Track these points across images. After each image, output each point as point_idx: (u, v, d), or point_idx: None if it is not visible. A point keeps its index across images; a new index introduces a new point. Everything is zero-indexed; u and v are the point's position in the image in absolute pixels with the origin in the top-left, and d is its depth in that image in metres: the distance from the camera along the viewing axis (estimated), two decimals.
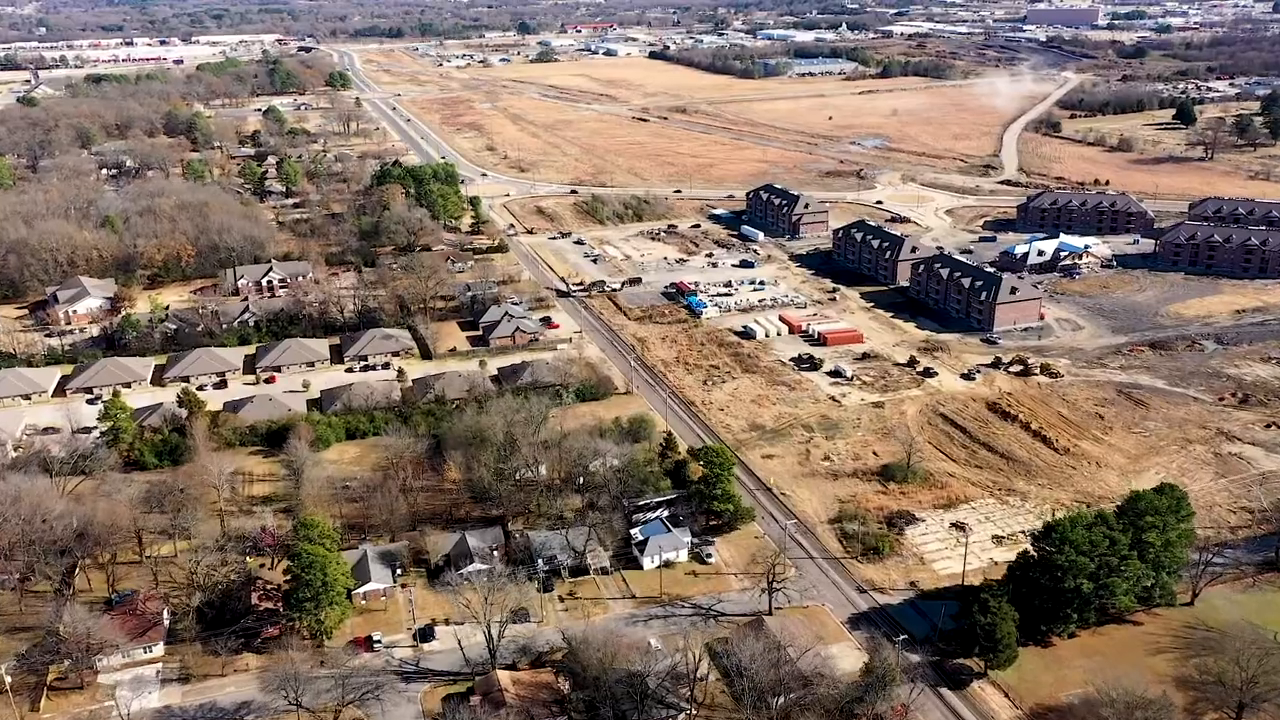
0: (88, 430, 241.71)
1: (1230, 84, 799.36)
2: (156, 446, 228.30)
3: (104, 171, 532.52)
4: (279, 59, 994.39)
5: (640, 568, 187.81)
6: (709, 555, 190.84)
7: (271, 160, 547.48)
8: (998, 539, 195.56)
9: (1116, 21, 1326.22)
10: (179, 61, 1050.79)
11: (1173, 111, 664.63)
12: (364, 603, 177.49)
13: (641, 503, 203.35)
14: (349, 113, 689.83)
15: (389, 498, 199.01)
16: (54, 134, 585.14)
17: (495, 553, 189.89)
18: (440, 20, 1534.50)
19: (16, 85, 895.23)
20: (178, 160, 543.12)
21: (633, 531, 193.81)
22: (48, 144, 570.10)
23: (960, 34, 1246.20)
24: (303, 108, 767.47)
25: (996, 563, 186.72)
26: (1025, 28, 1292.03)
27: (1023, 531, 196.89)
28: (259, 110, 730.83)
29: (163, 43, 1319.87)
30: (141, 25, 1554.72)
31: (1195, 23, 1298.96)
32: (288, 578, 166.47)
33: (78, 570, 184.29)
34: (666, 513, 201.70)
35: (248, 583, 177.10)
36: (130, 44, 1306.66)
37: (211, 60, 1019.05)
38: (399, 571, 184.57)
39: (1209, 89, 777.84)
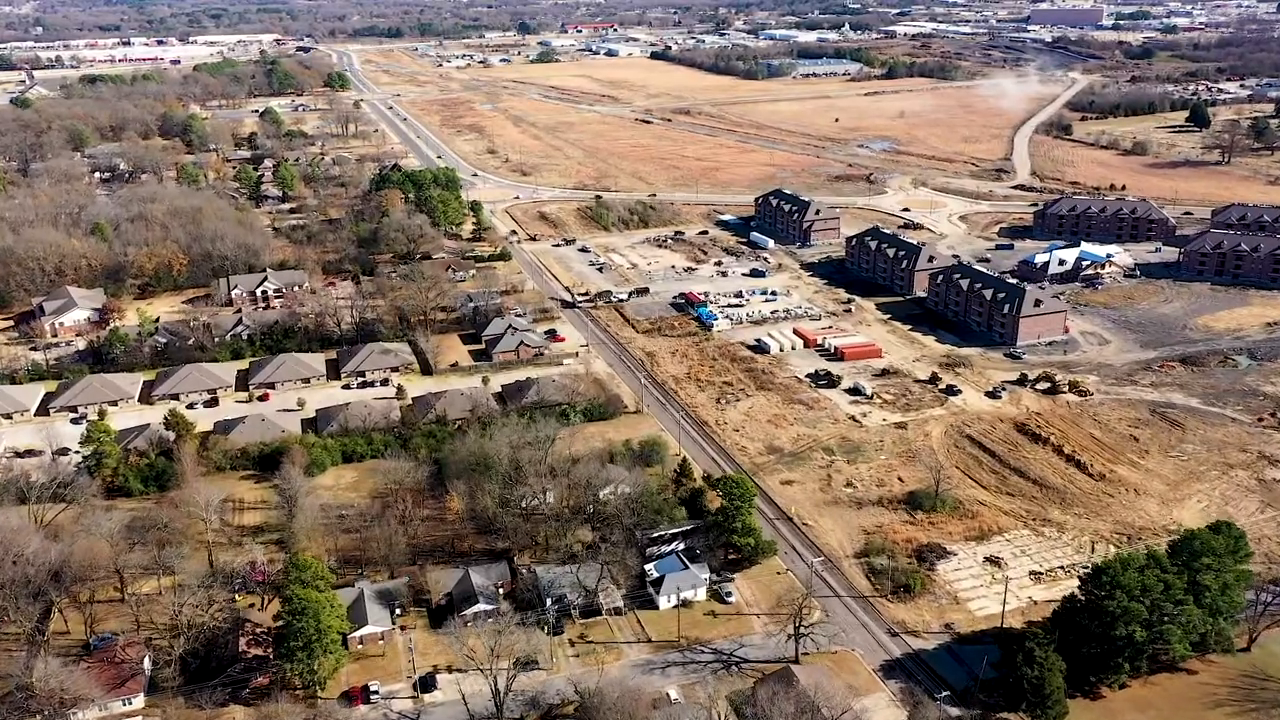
0: (65, 451, 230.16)
1: (1241, 85, 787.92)
2: (142, 472, 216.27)
3: (96, 175, 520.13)
4: (277, 59, 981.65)
5: (656, 607, 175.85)
6: (729, 594, 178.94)
7: (268, 163, 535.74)
8: (1035, 575, 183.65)
9: (1121, 22, 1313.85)
10: (176, 62, 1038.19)
11: (1185, 114, 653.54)
12: (360, 647, 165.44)
13: (655, 535, 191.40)
14: (347, 114, 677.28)
15: (387, 530, 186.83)
16: (46, 136, 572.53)
17: (501, 590, 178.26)
18: (440, 20, 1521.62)
19: (11, 86, 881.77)
20: (172, 164, 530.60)
21: (647, 568, 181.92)
22: (39, 147, 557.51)
23: (964, 34, 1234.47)
24: (300, 109, 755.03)
25: (1036, 602, 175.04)
26: (1030, 28, 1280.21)
27: (1062, 567, 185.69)
28: (256, 112, 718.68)
29: (160, 43, 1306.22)
30: (139, 25, 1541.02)
31: (1201, 23, 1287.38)
32: (279, 623, 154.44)
33: (54, 612, 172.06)
34: (682, 545, 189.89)
35: (235, 626, 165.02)
36: (127, 44, 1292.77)
37: (209, 60, 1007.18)
38: (398, 612, 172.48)
39: (1220, 90, 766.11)
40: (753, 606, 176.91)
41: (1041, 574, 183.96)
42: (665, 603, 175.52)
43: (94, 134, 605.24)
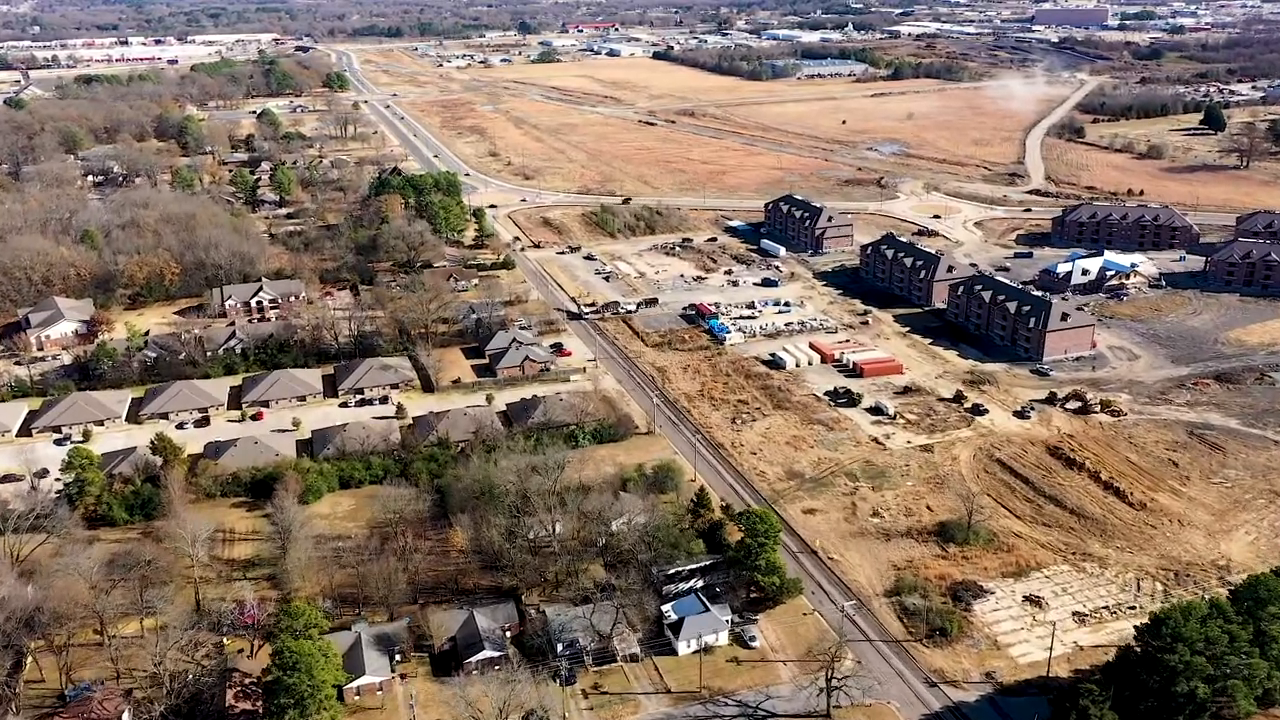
0: (45, 473, 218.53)
1: (1253, 87, 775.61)
2: (127, 499, 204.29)
3: (89, 179, 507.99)
4: (275, 59, 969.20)
5: (674, 652, 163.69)
6: (752, 638, 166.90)
7: (265, 167, 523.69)
8: (1079, 617, 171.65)
9: (1127, 22, 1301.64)
10: (173, 61, 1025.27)
11: (1199, 116, 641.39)
12: (357, 699, 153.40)
13: (672, 571, 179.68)
14: (346, 116, 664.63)
15: (386, 567, 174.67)
16: (39, 138, 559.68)
17: (508, 633, 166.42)
18: (440, 20, 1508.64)
19: (7, 86, 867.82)
20: (167, 167, 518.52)
21: (665, 609, 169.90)
22: (31, 149, 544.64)
23: (969, 34, 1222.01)
24: (299, 110, 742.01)
25: (1082, 647, 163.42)
26: (1035, 28, 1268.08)
27: (1107, 607, 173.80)
28: (254, 113, 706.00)
29: (158, 42, 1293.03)
30: (137, 24, 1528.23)
31: (1207, 23, 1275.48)
32: (269, 678, 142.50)
33: (28, 660, 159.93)
34: (701, 583, 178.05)
35: (223, 678, 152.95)
36: (125, 43, 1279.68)
37: (207, 60, 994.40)
38: (397, 659, 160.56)
39: (1231, 92, 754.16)
40: (779, 652, 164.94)
41: (1086, 615, 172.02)
42: (685, 648, 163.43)
43: (88, 136, 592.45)
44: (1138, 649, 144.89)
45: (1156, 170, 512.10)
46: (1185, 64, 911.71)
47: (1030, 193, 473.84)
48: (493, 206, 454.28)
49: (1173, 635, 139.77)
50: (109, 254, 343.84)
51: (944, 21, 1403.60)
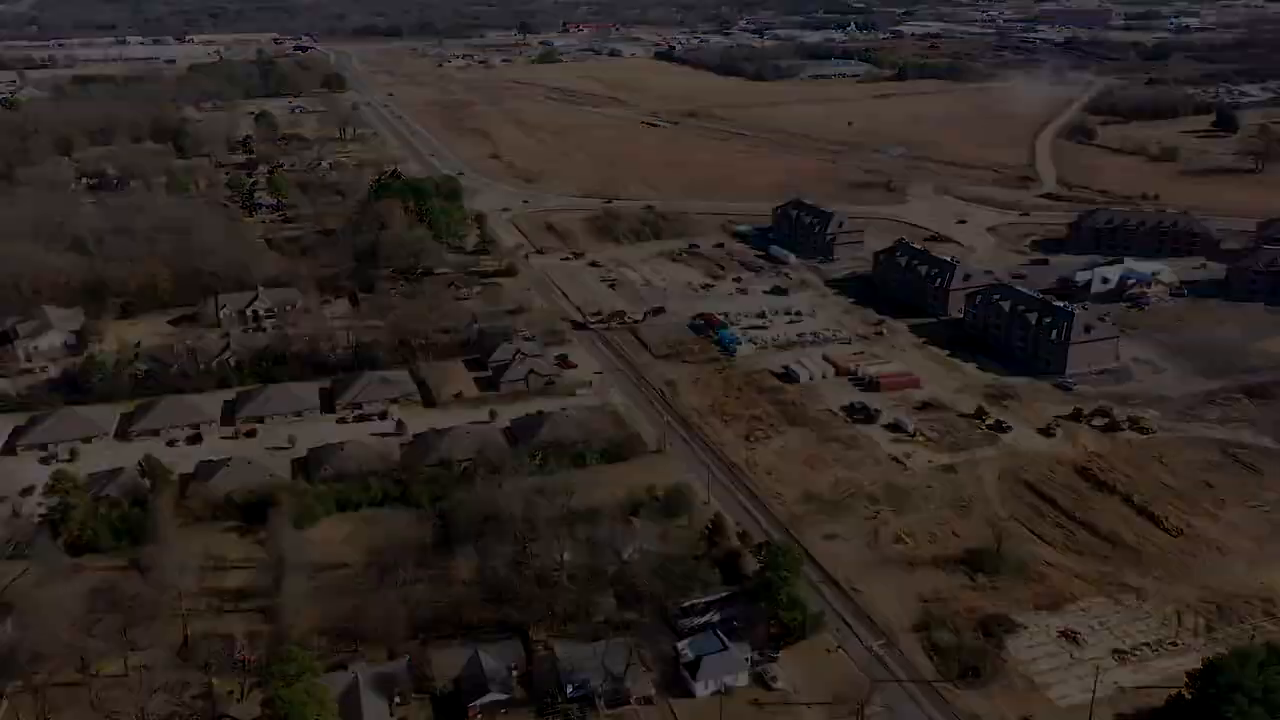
0: (31, 489, 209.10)
1: (1263, 88, 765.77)
2: (114, 524, 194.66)
3: (84, 181, 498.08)
4: (274, 59, 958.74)
5: (691, 694, 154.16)
6: (774, 678, 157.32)
7: (263, 169, 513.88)
8: (1119, 655, 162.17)
9: (1132, 22, 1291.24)
10: (171, 61, 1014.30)
11: (1209, 117, 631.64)
12: None
13: (687, 604, 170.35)
14: (346, 116, 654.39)
15: (386, 602, 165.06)
16: (32, 141, 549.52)
17: (514, 673, 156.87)
18: (440, 19, 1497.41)
19: (2, 86, 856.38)
20: (163, 170, 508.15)
21: (680, 646, 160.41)
22: (25, 151, 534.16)
23: (973, 34, 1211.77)
24: (297, 110, 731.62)
25: (1124, 689, 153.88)
26: (1039, 28, 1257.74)
27: (1148, 644, 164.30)
28: (252, 114, 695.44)
29: (156, 42, 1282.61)
30: (136, 23, 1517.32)
31: (1211, 23, 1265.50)
32: None
33: (3, 704, 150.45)
34: (718, 617, 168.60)
35: None
36: (123, 43, 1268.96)
37: (205, 60, 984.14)
38: (397, 701, 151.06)
39: (1241, 93, 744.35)
40: (802, 694, 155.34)
41: (1126, 653, 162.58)
42: (702, 689, 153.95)
43: (83, 138, 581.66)
44: (1189, 696, 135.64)
45: (1171, 174, 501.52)
46: (1193, 64, 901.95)
47: (1043, 196, 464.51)
48: (505, 209, 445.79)
49: (1230, 684, 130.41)
50: (100, 262, 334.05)
51: (947, 21, 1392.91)
